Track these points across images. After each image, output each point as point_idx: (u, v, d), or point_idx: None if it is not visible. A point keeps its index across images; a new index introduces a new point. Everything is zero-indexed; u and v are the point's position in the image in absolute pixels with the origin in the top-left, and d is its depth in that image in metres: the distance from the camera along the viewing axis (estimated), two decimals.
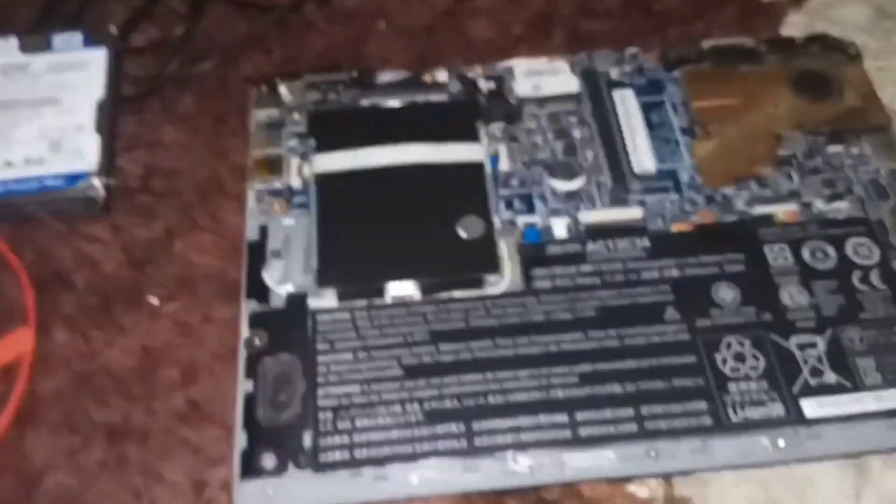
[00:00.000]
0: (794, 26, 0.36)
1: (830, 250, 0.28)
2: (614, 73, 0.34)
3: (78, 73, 0.34)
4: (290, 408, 0.26)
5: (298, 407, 0.26)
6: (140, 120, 0.34)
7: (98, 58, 0.34)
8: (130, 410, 0.27)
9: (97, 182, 0.31)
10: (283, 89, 0.34)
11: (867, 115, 0.32)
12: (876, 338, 0.26)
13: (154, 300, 0.30)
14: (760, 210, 0.29)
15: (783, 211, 0.29)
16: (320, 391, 0.26)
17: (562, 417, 0.25)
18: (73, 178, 0.31)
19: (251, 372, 0.26)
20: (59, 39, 0.35)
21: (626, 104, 0.33)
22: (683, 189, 0.30)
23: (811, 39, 0.34)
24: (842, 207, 0.29)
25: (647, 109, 0.32)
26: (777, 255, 0.28)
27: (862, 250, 0.28)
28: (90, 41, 0.35)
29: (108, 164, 0.32)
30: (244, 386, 0.26)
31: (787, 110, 0.32)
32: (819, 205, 0.30)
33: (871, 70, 0.34)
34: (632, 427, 0.25)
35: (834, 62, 0.33)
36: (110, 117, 0.33)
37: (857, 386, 0.26)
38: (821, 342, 0.26)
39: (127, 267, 0.31)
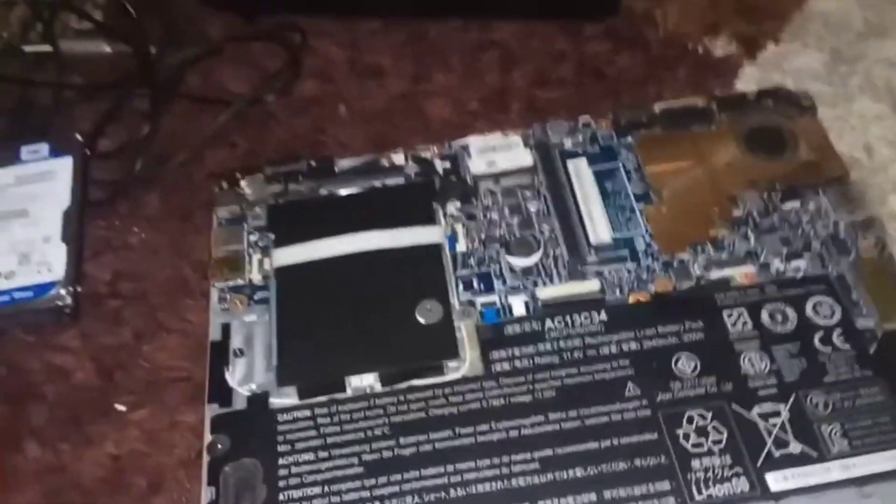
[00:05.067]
0: (748, 80, 0.36)
1: (790, 312, 0.28)
2: (568, 143, 0.34)
3: (45, 184, 0.35)
4: None
5: None
6: (108, 224, 0.35)
7: (64, 166, 0.35)
8: None
9: (64, 292, 0.32)
10: (243, 184, 0.34)
11: (822, 168, 0.31)
12: (840, 402, 0.26)
13: (122, 408, 0.30)
14: (717, 274, 0.29)
15: (741, 273, 0.29)
16: (281, 496, 0.26)
17: None
18: (42, 290, 0.32)
19: (213, 478, 0.26)
20: (26, 150, 0.36)
21: (580, 174, 0.33)
22: (640, 257, 0.30)
23: (763, 94, 0.34)
24: (800, 266, 0.29)
25: (601, 177, 0.33)
26: (736, 321, 0.28)
27: (822, 309, 0.28)
28: (56, 151, 0.36)
29: (76, 273, 0.33)
30: (206, 494, 0.26)
31: (739, 169, 0.32)
32: (777, 264, 0.29)
33: (829, 118, 0.34)
34: None
35: (787, 116, 0.33)
36: (77, 225, 0.34)
37: (822, 455, 0.25)
38: (784, 410, 0.26)
39: (96, 375, 0.31)
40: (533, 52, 0.39)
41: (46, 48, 0.40)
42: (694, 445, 0.26)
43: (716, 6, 0.39)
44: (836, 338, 0.27)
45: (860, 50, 0.37)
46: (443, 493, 0.25)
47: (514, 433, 0.26)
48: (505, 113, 0.37)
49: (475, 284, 0.30)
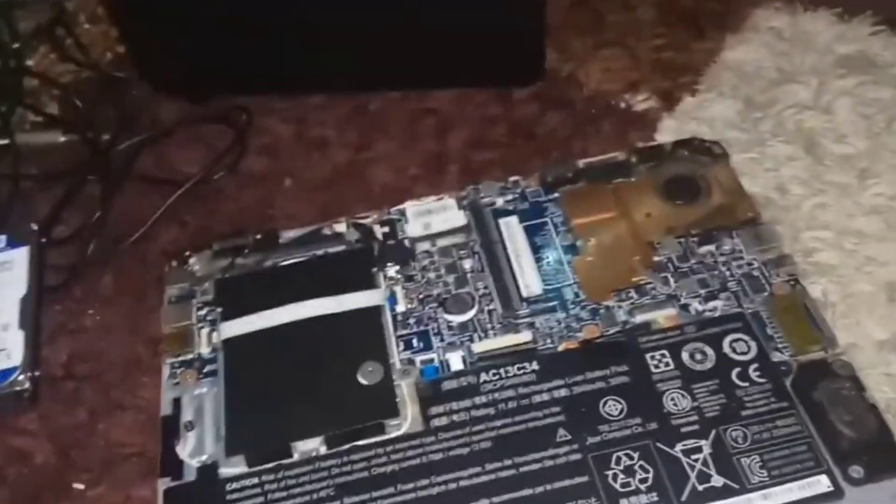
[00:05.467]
0: (667, 131, 0.38)
1: (709, 350, 0.29)
2: (499, 202, 0.36)
3: (2, 274, 0.36)
4: None
5: None
6: (63, 307, 0.36)
7: (21, 256, 0.36)
8: None
9: (23, 377, 0.33)
10: (192, 261, 0.36)
11: (735, 212, 0.33)
12: (759, 434, 0.27)
13: (80, 486, 0.31)
14: (641, 318, 0.31)
15: (663, 316, 0.31)
16: None
17: None
18: (1, 376, 0.33)
19: None
20: None
21: (512, 230, 0.35)
22: (569, 307, 0.32)
23: (679, 144, 0.36)
24: (717, 305, 0.31)
25: (531, 233, 0.34)
26: (658, 362, 0.29)
27: (739, 346, 0.29)
28: (13, 242, 0.37)
29: (34, 358, 0.34)
30: None
31: (658, 217, 0.34)
32: (696, 305, 0.31)
33: (743, 162, 0.36)
34: None
35: (700, 164, 0.35)
36: (34, 312, 0.35)
37: (743, 486, 0.26)
38: (705, 445, 0.27)
39: (55, 456, 0.32)
40: (467, 117, 0.41)
41: (4, 141, 0.42)
42: (622, 485, 0.27)
43: (635, 64, 0.41)
44: (753, 373, 0.29)
45: (772, 96, 0.39)
46: None
47: (452, 486, 0.27)
48: (443, 175, 0.39)
49: (414, 343, 0.32)
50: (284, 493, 0.28)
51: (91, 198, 0.40)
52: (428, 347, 0.31)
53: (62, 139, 0.42)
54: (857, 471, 0.26)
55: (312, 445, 0.29)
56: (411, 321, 0.32)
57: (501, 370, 0.30)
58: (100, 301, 0.36)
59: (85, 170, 0.40)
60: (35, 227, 0.37)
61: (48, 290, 0.36)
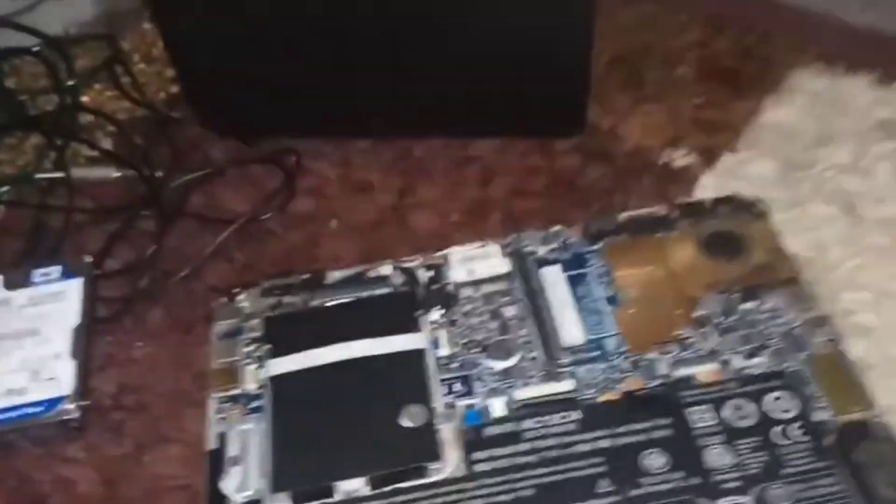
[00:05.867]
0: (706, 188, 0.39)
1: (751, 407, 0.30)
2: (542, 251, 0.36)
3: (56, 304, 0.37)
4: None
5: None
6: (114, 339, 0.37)
7: (74, 287, 0.38)
8: None
9: (72, 406, 0.34)
10: (241, 298, 0.37)
11: (776, 270, 0.34)
12: (801, 492, 0.27)
13: None
14: (683, 372, 0.31)
15: (705, 371, 0.31)
16: None
17: None
18: (51, 404, 0.34)
19: None
20: (39, 273, 0.38)
21: (554, 279, 0.35)
22: (611, 357, 0.32)
23: (719, 201, 0.37)
24: (759, 363, 0.31)
25: (573, 282, 0.35)
26: (700, 417, 0.30)
27: (781, 404, 0.30)
28: (68, 272, 0.38)
29: (83, 388, 0.35)
30: None
31: (699, 272, 0.34)
32: (737, 362, 0.31)
33: (783, 220, 0.37)
34: None
35: (741, 221, 0.36)
36: (85, 342, 0.36)
37: None
38: (748, 503, 0.27)
39: (100, 486, 0.33)
40: (509, 166, 0.42)
41: (59, 175, 0.43)
42: None
43: (675, 121, 0.42)
44: (795, 431, 0.29)
45: (811, 157, 0.40)
46: None
47: None
48: (485, 223, 0.40)
49: (457, 388, 0.32)
50: None
51: (142, 232, 0.41)
52: (470, 393, 0.32)
53: (116, 174, 0.43)
54: None
55: (355, 485, 0.30)
56: (454, 365, 0.33)
57: (544, 418, 0.31)
58: (149, 334, 0.37)
59: (138, 205, 0.41)
60: (89, 259, 0.39)
61: (99, 321, 0.37)
